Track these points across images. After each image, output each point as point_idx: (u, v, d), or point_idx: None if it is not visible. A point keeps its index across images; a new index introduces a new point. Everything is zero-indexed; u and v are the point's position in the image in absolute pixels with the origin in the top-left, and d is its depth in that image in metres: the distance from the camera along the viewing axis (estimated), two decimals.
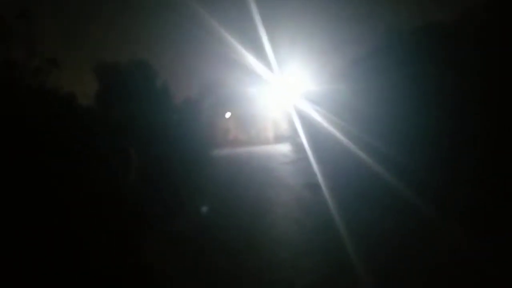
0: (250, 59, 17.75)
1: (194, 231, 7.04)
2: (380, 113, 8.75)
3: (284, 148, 20.21)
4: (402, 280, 4.36)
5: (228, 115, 29.55)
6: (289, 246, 5.91)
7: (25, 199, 3.48)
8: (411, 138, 7.79)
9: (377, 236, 5.89)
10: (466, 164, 6.84)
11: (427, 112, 7.64)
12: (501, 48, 6.09)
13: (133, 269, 3.35)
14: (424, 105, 7.70)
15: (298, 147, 16.98)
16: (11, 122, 4.24)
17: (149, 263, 3.83)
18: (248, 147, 26.47)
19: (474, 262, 4.52)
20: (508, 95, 6.02)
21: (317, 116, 12.24)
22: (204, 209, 8.71)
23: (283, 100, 20.73)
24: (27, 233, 3.28)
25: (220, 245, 6.05)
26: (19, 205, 3.45)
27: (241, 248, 5.90)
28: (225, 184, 12.41)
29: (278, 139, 26.35)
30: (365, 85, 9.36)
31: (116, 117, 10.69)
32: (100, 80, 14.18)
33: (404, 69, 8.20)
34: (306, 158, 14.05)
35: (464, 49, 6.97)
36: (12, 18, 7.41)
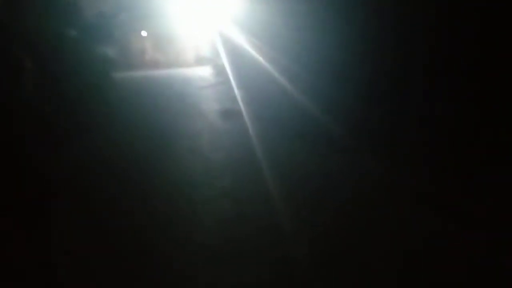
0: None
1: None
2: (306, 37, 8.29)
3: (205, 71, 19.30)
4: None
5: (144, 33, 27.42)
6: (183, 191, 4.97)
7: None
8: (336, 65, 7.45)
9: (298, 179, 5.23)
10: (392, 93, 6.70)
11: (355, 36, 7.30)
12: None
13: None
14: (353, 27, 7.34)
15: (219, 70, 16.28)
16: None
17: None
18: (166, 69, 25.02)
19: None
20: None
21: (240, 38, 11.55)
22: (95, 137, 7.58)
23: (205, 19, 19.61)
24: None
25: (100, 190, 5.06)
26: None
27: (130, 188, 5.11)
28: (128, 110, 11.08)
29: (199, 61, 25.22)
30: (291, 5, 8.77)
31: (17, 28, 9.45)
32: None
33: None
34: (226, 82, 13.40)
35: None
36: None
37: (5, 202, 3.11)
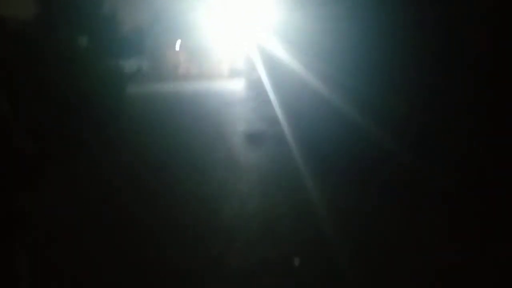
0: None
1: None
2: (350, 43, 7.32)
3: (237, 84, 18.36)
4: None
5: (178, 46, 26.94)
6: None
7: None
8: (386, 71, 6.45)
9: None
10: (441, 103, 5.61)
11: (398, 38, 6.34)
12: None
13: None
14: (395, 29, 6.41)
15: (252, 83, 15.37)
16: None
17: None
18: (198, 82, 24.32)
19: None
20: None
21: (277, 48, 10.56)
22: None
23: (239, 30, 18.94)
24: None
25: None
26: None
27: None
28: (138, 129, 9.57)
29: (234, 73, 24.48)
30: (330, 10, 7.81)
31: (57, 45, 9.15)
32: (40, 3, 12.03)
33: None
34: (259, 97, 12.27)
35: None
36: None
37: None
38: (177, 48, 26.94)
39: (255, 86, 14.41)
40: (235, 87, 18.44)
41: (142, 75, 21.21)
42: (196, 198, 4.77)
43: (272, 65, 11.40)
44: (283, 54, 9.99)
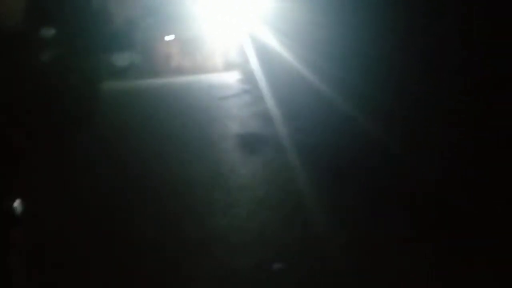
0: None
1: None
2: (346, 35, 7.11)
3: (232, 77, 17.93)
4: None
5: (169, 38, 26.38)
6: None
7: None
8: (384, 65, 6.22)
9: None
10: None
11: (392, 33, 5.98)
12: None
13: None
14: (390, 24, 6.09)
15: (247, 76, 15.05)
16: None
17: None
18: (191, 75, 23.81)
19: None
20: None
21: (271, 40, 10.31)
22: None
23: (233, 22, 18.60)
24: None
25: None
26: None
27: None
28: (112, 132, 8.43)
29: (228, 66, 24.02)
30: (324, 2, 7.61)
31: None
32: None
33: None
34: (254, 90, 11.80)
35: None
36: None
37: None
38: (169, 40, 26.46)
39: (250, 79, 14.08)
40: (229, 80, 18.00)
41: (134, 69, 20.84)
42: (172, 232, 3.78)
43: (267, 57, 11.13)
44: (278, 46, 9.71)
